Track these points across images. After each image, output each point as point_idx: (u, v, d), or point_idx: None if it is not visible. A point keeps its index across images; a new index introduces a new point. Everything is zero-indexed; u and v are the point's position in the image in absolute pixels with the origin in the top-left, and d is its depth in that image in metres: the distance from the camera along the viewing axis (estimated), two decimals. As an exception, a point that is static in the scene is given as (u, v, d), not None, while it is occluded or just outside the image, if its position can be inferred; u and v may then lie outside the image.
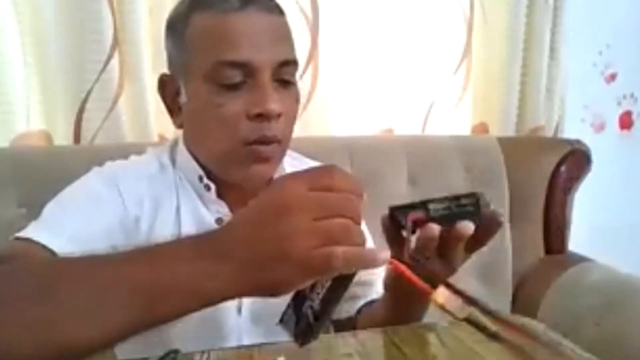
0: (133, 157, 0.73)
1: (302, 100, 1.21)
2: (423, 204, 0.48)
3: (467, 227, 0.48)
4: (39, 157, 0.99)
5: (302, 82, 1.21)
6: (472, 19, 1.33)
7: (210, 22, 0.62)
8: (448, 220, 0.48)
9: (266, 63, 0.61)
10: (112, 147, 1.02)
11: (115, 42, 1.05)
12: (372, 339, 0.56)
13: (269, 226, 0.39)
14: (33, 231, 0.58)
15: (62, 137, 1.08)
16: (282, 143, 0.65)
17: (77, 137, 1.08)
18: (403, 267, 0.43)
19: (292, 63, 0.65)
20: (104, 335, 0.39)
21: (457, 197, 0.48)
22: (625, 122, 1.66)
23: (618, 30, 1.57)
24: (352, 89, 1.27)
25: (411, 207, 0.49)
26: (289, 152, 0.71)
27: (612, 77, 1.61)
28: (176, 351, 0.51)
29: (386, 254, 0.40)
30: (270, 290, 0.41)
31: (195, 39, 0.63)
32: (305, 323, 0.43)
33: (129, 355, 0.54)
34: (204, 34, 0.62)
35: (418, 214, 0.48)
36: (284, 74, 0.63)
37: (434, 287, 0.43)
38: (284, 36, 0.65)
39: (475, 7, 1.33)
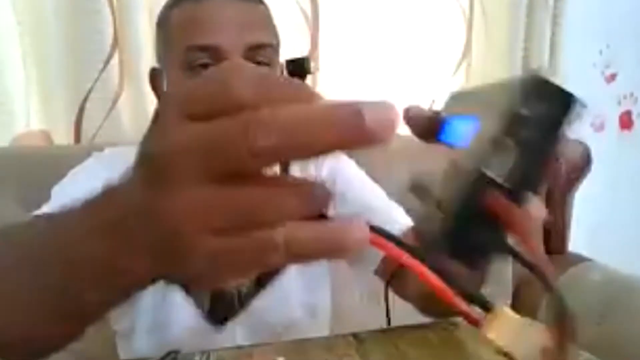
0: (134, 147, 0.74)
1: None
2: (478, 175, 0.25)
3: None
4: (39, 157, 0.99)
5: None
6: (472, 18, 1.33)
7: (184, 13, 0.65)
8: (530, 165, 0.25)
9: (235, 46, 0.62)
10: (112, 147, 1.02)
11: (115, 42, 1.05)
12: (372, 339, 0.55)
13: (146, 192, 0.23)
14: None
15: (62, 137, 1.08)
16: None
17: (77, 137, 1.08)
18: (428, 274, 0.26)
19: (268, 46, 0.65)
20: (34, 320, 0.31)
21: (514, 117, 0.25)
22: (625, 122, 1.66)
23: (618, 30, 1.57)
24: (352, 89, 1.27)
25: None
26: None
27: (612, 77, 1.61)
28: (176, 351, 0.51)
29: (363, 232, 0.23)
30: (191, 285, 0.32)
31: (172, 31, 0.66)
32: None
33: (131, 356, 0.54)
34: (178, 25, 0.65)
35: (493, 195, 0.25)
36: (258, 56, 0.64)
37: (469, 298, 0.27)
38: (258, 21, 0.66)
39: (475, 6, 1.33)
